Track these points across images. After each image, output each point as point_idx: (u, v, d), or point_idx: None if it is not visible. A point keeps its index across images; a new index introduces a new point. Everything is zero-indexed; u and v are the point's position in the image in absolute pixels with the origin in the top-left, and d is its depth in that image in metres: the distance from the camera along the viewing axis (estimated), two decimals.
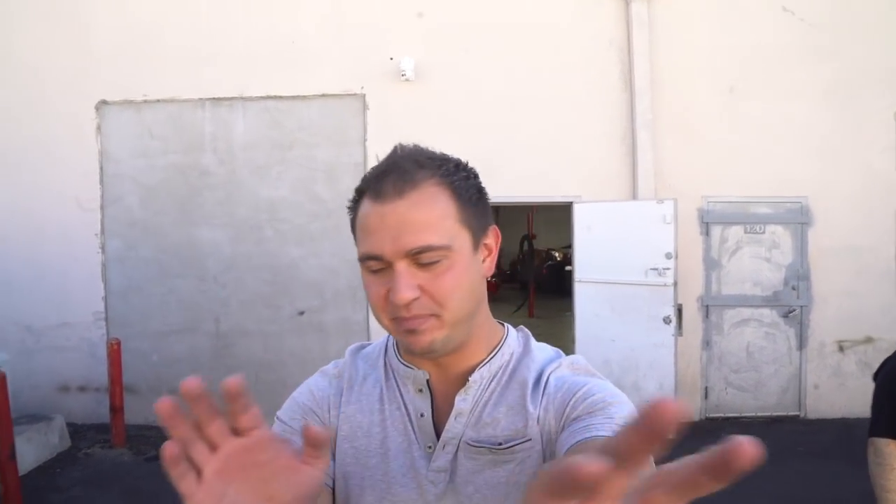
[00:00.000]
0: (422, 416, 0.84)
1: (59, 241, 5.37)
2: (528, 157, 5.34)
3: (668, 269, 4.80)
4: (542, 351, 0.88)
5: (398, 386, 0.86)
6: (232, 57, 5.37)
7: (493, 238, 0.84)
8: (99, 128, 5.39)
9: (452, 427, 0.82)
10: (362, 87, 5.31)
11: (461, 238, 0.78)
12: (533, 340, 0.90)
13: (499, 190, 5.88)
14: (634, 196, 5.27)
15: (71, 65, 5.39)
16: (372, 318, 5.32)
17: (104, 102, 5.40)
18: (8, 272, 5.25)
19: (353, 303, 5.31)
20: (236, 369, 4.84)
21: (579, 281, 5.21)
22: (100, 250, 5.40)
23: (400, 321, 0.77)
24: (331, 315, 5.32)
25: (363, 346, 0.94)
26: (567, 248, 13.35)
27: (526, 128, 5.35)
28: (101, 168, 5.40)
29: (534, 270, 12.44)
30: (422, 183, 0.77)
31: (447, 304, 0.77)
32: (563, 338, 9.58)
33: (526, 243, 13.22)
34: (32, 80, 5.42)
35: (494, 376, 0.85)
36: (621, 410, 0.74)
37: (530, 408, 0.79)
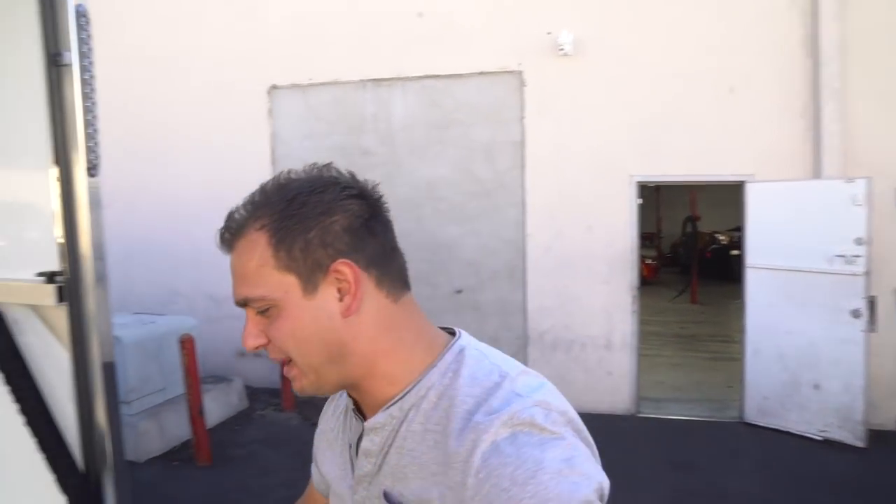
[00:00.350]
0: (350, 446, 0.88)
1: None
2: (693, 133, 5.15)
3: (858, 256, 4.47)
4: (474, 384, 0.78)
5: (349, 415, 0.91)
6: (391, 37, 5.64)
7: (347, 271, 0.78)
8: (270, 111, 5.96)
9: (361, 466, 0.83)
10: (519, 64, 5.42)
11: (284, 285, 0.78)
12: (467, 365, 0.80)
13: (660, 168, 5.91)
14: (817, 175, 4.91)
15: (247, 52, 5.95)
16: (530, 299, 5.52)
17: (275, 87, 5.92)
18: (198, 248, 5.90)
19: (511, 283, 5.45)
20: None
21: (752, 267, 4.98)
22: None
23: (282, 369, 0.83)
24: (488, 294, 5.51)
25: None
26: (734, 231, 12.37)
27: (690, 102, 5.15)
28: (273, 149, 5.96)
29: (696, 253, 12.00)
30: (246, 232, 0.79)
31: (289, 351, 0.79)
32: (729, 327, 8.35)
33: (689, 225, 12.81)
34: (214, 67, 6.06)
35: (406, 417, 0.80)
36: None
37: (444, 485, 0.73)
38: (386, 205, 0.85)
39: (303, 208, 0.78)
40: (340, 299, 0.79)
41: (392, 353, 0.82)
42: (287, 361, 0.81)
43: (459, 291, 5.55)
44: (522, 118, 5.42)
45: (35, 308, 1.42)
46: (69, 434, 1.43)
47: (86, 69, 1.31)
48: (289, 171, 0.83)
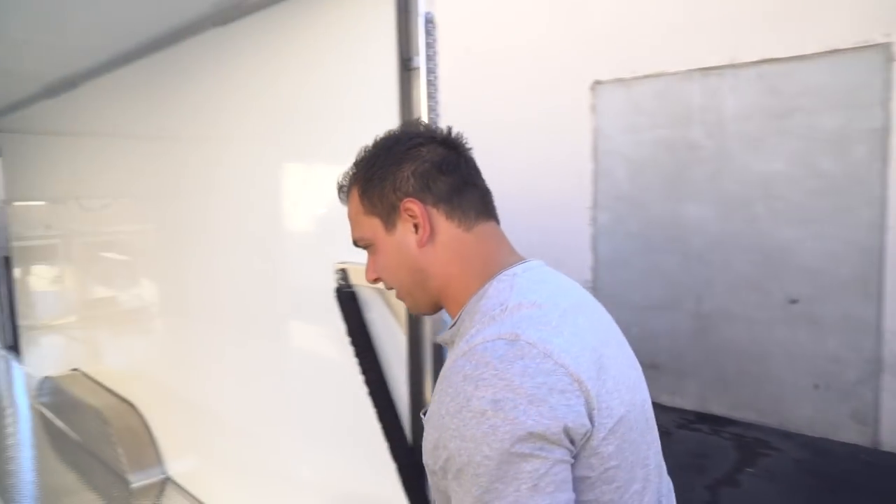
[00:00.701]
0: None
1: (556, 213, 6.36)
2: None
3: None
4: (484, 315, 0.90)
5: None
6: (721, 22, 5.39)
7: (414, 208, 0.99)
8: (593, 107, 6.19)
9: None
10: (887, 35, 4.87)
11: (372, 226, 1.04)
12: (489, 296, 0.93)
13: None
14: None
15: (570, 49, 6.26)
16: (888, 317, 4.92)
17: (598, 82, 6.13)
18: (517, 240, 6.74)
19: (862, 297, 4.85)
20: (716, 353, 5.19)
21: None
22: (590, 223, 6.25)
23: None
24: (829, 308, 4.99)
25: None
26: None
27: None
28: (594, 145, 6.18)
29: None
30: (350, 189, 1.07)
31: (388, 280, 1.06)
32: None
33: None
34: (536, 64, 6.48)
35: (453, 340, 0.97)
36: (467, 481, 0.75)
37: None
38: (464, 145, 1.08)
39: (378, 164, 1.03)
40: (416, 232, 1.00)
41: (461, 276, 0.99)
42: (395, 291, 1.06)
43: (794, 301, 5.17)
44: (888, 100, 4.82)
45: (380, 291, 1.57)
46: (401, 407, 1.62)
47: (431, 71, 1.48)
48: (372, 146, 1.08)
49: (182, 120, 2.54)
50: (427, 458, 0.86)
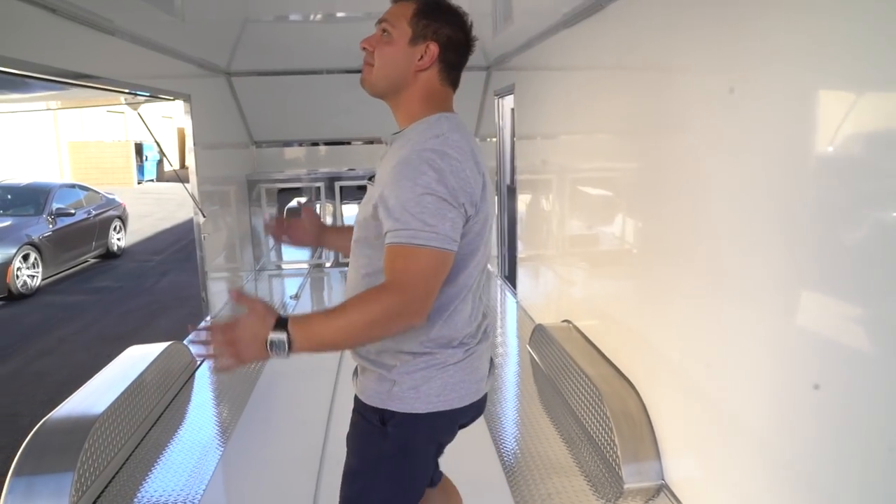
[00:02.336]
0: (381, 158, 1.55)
1: None
2: None
3: None
4: (426, 132, 1.42)
5: None
6: None
7: (434, 51, 1.46)
8: None
9: (379, 165, 1.50)
10: None
11: (405, 31, 1.46)
12: (435, 125, 1.45)
13: None
14: None
15: None
16: None
17: None
18: None
19: None
20: None
21: None
22: None
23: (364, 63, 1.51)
24: None
25: None
26: None
27: None
28: None
29: None
30: (407, 2, 1.49)
31: (378, 59, 1.48)
32: None
33: None
34: None
35: (397, 138, 1.49)
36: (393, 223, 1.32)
37: (385, 164, 1.44)
38: (474, 42, 1.53)
39: (440, 10, 1.48)
40: (419, 59, 1.46)
41: (418, 102, 1.49)
42: (368, 64, 1.49)
43: None
44: None
45: None
46: None
47: None
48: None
49: (688, 49, 2.28)
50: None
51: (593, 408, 2.88)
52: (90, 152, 23.01)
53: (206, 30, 4.58)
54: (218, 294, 5.06)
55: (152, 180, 24.42)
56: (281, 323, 1.27)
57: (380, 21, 1.50)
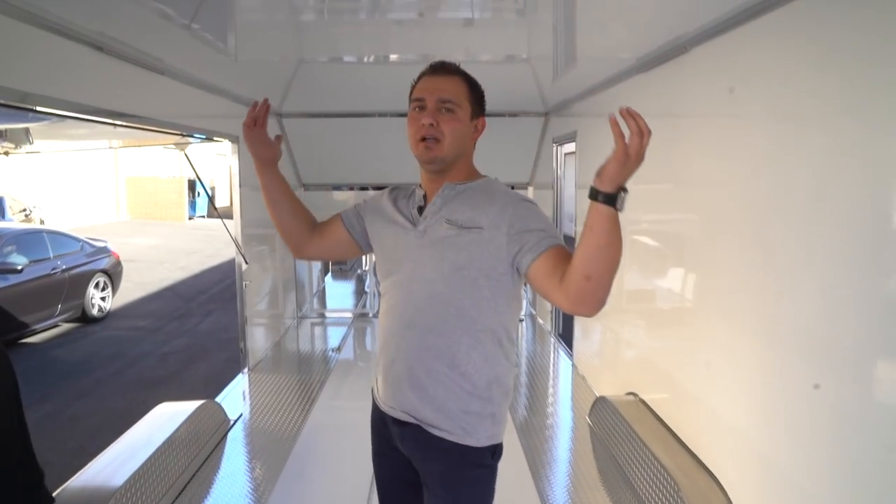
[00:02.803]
0: (420, 205, 1.70)
1: None
2: None
3: None
4: (503, 187, 1.69)
5: (413, 196, 1.74)
6: None
7: (481, 124, 1.70)
8: None
9: (430, 209, 1.66)
10: None
11: (466, 107, 1.64)
12: (499, 182, 1.72)
13: None
14: None
15: None
16: None
17: None
18: None
19: None
20: None
21: None
22: None
23: (423, 140, 1.60)
24: None
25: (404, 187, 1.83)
26: None
27: None
28: None
29: None
30: (454, 75, 1.65)
31: (446, 135, 1.60)
32: None
33: None
34: None
35: (464, 191, 1.66)
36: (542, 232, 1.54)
37: (488, 213, 1.58)
38: None
39: (479, 87, 1.71)
40: (474, 132, 1.70)
41: (469, 163, 1.72)
42: (435, 138, 1.60)
43: None
44: None
45: None
46: None
47: None
48: (457, 64, 1.70)
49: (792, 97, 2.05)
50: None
51: (669, 502, 2.51)
52: (146, 188, 23.65)
53: (260, 70, 4.47)
54: (258, 341, 4.85)
55: (203, 216, 24.87)
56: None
57: (440, 100, 1.61)
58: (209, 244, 16.53)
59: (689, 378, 2.80)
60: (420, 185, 1.73)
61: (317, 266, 7.06)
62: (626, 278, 3.70)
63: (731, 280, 2.41)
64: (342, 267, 8.77)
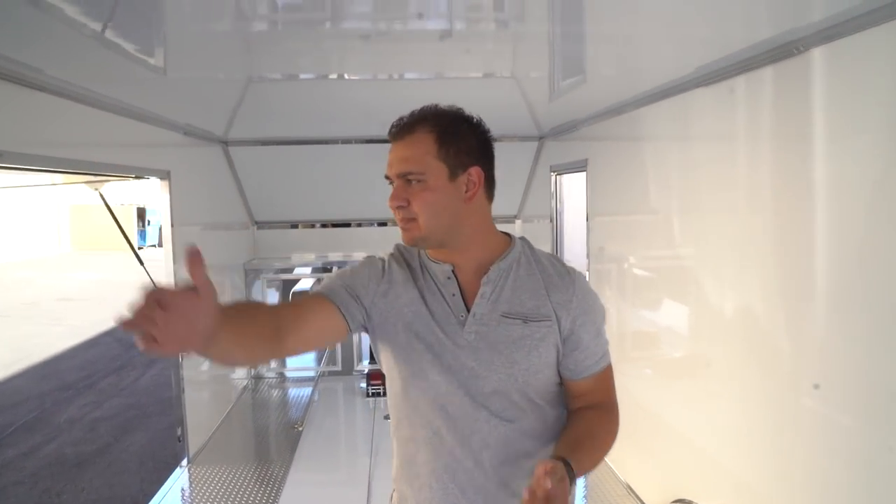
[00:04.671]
0: (453, 295, 1.41)
1: None
2: None
3: None
4: (548, 256, 1.49)
5: (431, 278, 1.44)
6: None
7: (475, 176, 1.38)
8: None
9: (479, 305, 1.39)
10: None
11: (437, 169, 1.34)
12: (532, 247, 1.50)
13: None
14: None
15: None
16: None
17: None
18: None
19: None
20: None
21: None
22: None
23: (399, 221, 1.38)
24: None
25: (401, 248, 1.52)
26: None
27: None
28: None
29: None
30: (415, 131, 1.36)
31: (420, 213, 1.34)
32: None
33: None
34: None
35: (510, 269, 1.42)
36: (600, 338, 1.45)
37: (552, 297, 1.40)
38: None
39: (458, 127, 1.38)
40: (466, 191, 1.37)
41: (488, 234, 1.45)
42: (410, 219, 1.36)
43: None
44: None
45: None
46: None
47: None
48: (436, 105, 1.40)
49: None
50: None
51: None
52: (92, 216, 22.29)
53: (198, 90, 3.62)
54: (201, 418, 3.94)
55: (154, 245, 23.62)
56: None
57: (402, 174, 1.37)
58: (161, 276, 15.41)
59: (764, 482, 2.04)
60: (429, 256, 1.48)
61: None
62: (666, 332, 2.97)
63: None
64: None
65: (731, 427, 2.36)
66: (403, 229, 1.40)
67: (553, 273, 1.44)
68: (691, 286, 2.72)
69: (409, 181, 1.36)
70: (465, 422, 1.37)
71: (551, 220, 4.79)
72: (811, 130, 1.84)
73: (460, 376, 1.36)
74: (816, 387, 1.78)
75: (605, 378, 1.45)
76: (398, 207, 1.37)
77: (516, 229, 5.64)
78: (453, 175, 1.36)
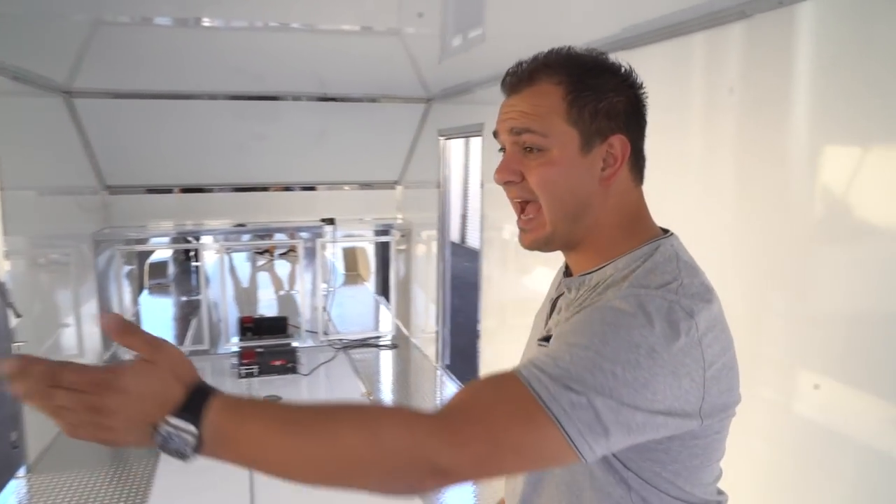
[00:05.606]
0: (551, 300, 1.09)
1: None
2: None
3: None
4: (648, 275, 0.90)
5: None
6: None
7: (618, 147, 0.95)
8: None
9: (552, 324, 1.04)
10: None
11: (566, 135, 0.94)
12: (654, 260, 0.92)
13: None
14: None
15: None
16: None
17: None
18: None
19: None
20: None
21: None
22: None
23: (517, 212, 1.00)
24: None
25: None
26: None
27: None
28: None
29: None
30: (538, 81, 0.96)
31: (542, 195, 0.95)
32: None
33: None
34: None
35: (595, 288, 0.96)
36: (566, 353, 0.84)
37: None
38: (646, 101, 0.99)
39: (598, 79, 0.96)
40: (603, 168, 0.96)
41: (613, 227, 0.98)
42: (526, 205, 0.98)
43: None
44: None
45: None
46: None
47: None
48: (569, 47, 0.97)
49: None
50: None
51: None
52: None
53: (30, 27, 3.05)
54: (39, 429, 3.38)
55: None
56: (194, 402, 0.74)
57: (512, 129, 0.97)
58: None
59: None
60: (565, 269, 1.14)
61: (127, 283, 5.42)
62: None
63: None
64: (161, 281, 7.12)
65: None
66: (521, 229, 1.01)
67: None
68: None
69: (527, 149, 0.97)
70: None
71: (438, 187, 4.60)
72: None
73: None
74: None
75: (482, 384, 0.91)
76: (508, 183, 0.98)
77: (396, 196, 5.43)
78: (587, 145, 0.96)
